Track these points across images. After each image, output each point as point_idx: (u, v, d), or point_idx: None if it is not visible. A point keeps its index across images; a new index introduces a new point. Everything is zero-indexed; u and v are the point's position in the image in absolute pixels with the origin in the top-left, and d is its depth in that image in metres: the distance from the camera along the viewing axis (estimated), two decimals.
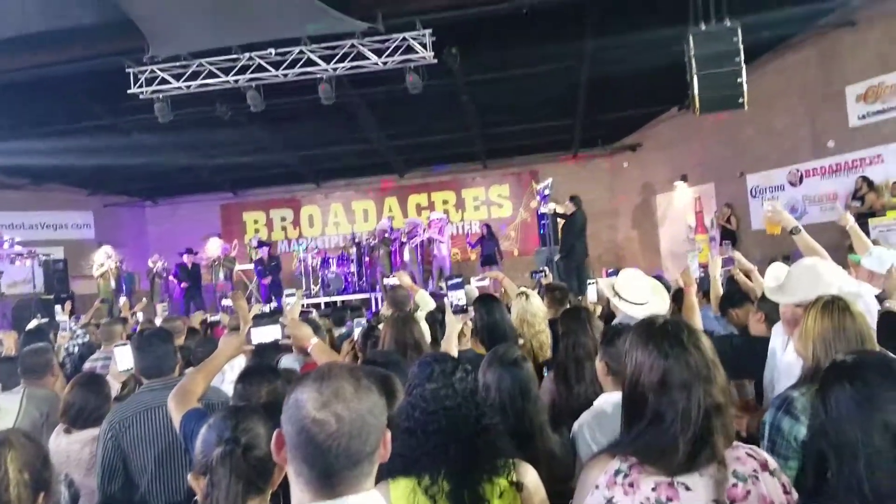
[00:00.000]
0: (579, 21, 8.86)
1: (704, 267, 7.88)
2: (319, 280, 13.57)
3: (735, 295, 4.22)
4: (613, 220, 15.83)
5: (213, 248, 15.54)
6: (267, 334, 2.90)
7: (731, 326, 4.08)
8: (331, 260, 13.65)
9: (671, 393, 1.51)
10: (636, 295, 3.41)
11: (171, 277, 13.93)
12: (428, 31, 8.26)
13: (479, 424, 1.86)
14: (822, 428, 1.47)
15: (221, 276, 14.29)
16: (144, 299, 9.31)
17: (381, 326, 3.85)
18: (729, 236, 12.19)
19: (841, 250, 4.94)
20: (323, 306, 11.65)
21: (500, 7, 7.90)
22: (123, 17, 7.13)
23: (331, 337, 5.22)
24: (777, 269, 3.06)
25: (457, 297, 3.15)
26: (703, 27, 7.17)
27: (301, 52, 8.53)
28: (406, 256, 13.26)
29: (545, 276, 6.17)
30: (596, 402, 2.39)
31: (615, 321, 3.42)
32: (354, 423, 1.15)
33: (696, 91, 7.31)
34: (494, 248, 13.75)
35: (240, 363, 3.37)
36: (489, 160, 15.91)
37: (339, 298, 12.43)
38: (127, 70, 8.72)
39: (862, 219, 9.24)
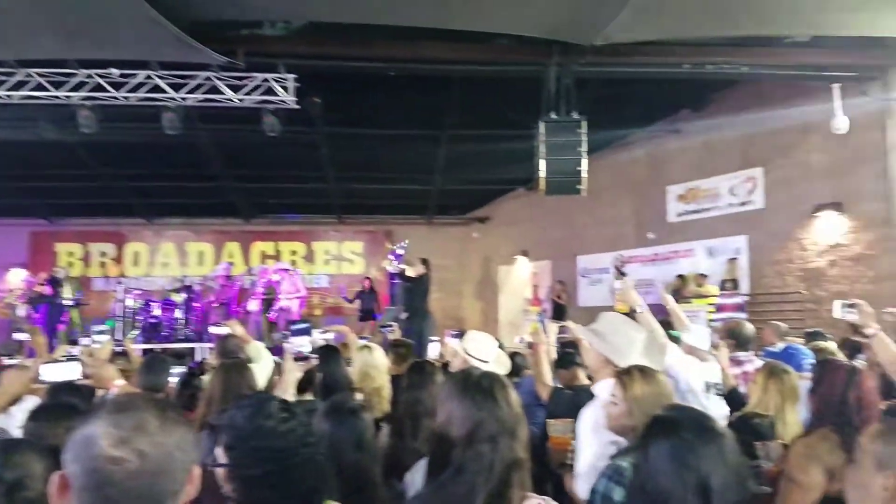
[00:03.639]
0: (443, 94, 9.22)
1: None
2: (139, 325, 12.31)
3: (565, 358, 4.47)
4: (459, 286, 16.27)
5: (16, 280, 13.64)
6: (62, 372, 2.53)
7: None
8: (153, 304, 12.48)
9: (478, 445, 1.55)
10: (483, 353, 3.58)
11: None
12: (292, 76, 8.12)
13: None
14: (640, 484, 1.52)
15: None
16: None
17: (203, 377, 3.55)
18: (559, 310, 12.98)
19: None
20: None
21: (368, 66, 8.02)
22: None
23: None
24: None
25: (299, 344, 2.98)
26: (553, 116, 7.73)
27: (148, 76, 7.98)
28: (252, 307, 12.56)
29: (392, 331, 6.11)
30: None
31: None
32: (161, 460, 1.02)
33: (543, 174, 7.74)
34: (374, 304, 13.33)
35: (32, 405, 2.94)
36: (345, 215, 15.80)
37: (159, 346, 11.33)
38: None
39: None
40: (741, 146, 10.62)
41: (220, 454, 1.57)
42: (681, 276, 11.13)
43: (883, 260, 8.79)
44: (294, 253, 15.92)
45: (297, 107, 8.26)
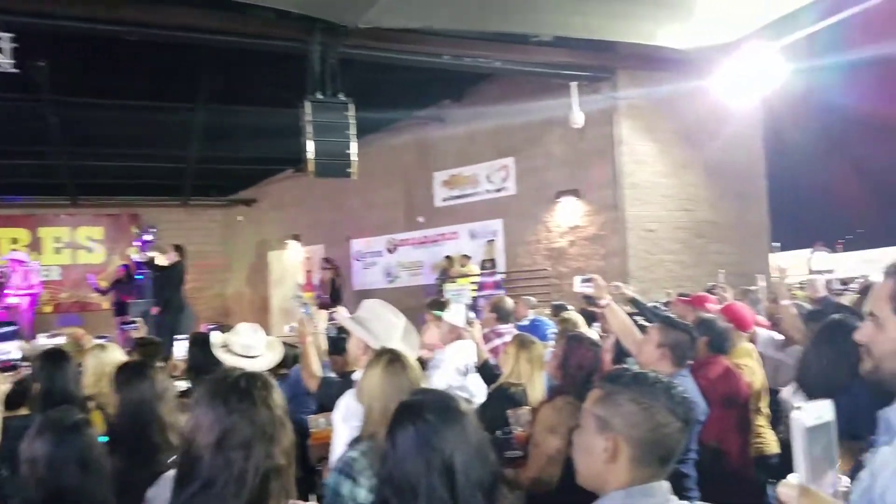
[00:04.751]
0: (199, 65, 8.48)
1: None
2: None
3: (338, 343, 4.42)
4: (225, 274, 15.32)
5: None
6: None
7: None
8: None
9: (229, 453, 1.41)
10: (248, 349, 3.40)
11: None
12: (8, 36, 6.79)
13: None
14: (387, 473, 1.49)
15: None
16: None
17: None
18: (334, 295, 12.90)
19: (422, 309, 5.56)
20: None
21: (102, 28, 7.02)
22: None
23: None
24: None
25: (4, 350, 2.46)
26: (319, 95, 7.52)
27: None
28: None
29: (137, 328, 5.48)
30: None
31: None
32: None
33: (311, 156, 7.52)
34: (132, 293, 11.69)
35: None
36: (80, 196, 13.84)
37: None
38: None
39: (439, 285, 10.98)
40: (496, 136, 11.45)
41: None
42: (448, 258, 11.74)
43: (612, 239, 10.14)
44: (15, 241, 13.55)
45: (15, 71, 6.96)
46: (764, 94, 9.26)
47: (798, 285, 7.77)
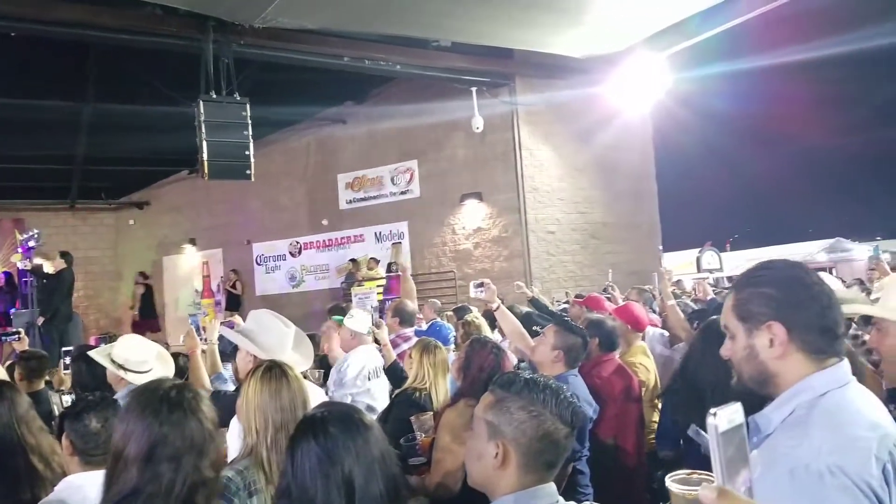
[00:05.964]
0: (85, 62, 7.96)
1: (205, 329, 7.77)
2: None
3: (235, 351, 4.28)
4: (117, 281, 14.45)
5: None
6: None
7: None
8: None
9: (158, 465, 1.41)
10: (140, 363, 3.20)
11: None
12: None
13: None
14: (285, 486, 1.47)
15: None
16: None
17: None
18: (234, 301, 12.46)
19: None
20: None
21: None
22: None
23: None
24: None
25: None
26: (213, 95, 7.25)
27: None
28: None
29: (19, 340, 5.05)
30: (58, 488, 2.01)
31: (118, 395, 2.98)
32: None
33: (205, 157, 7.22)
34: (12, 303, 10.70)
35: None
36: None
37: None
38: None
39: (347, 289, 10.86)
40: (399, 139, 11.46)
41: None
42: (353, 261, 11.61)
43: (514, 241, 10.41)
44: None
45: None
46: (652, 101, 9.82)
47: (693, 283, 8.29)
